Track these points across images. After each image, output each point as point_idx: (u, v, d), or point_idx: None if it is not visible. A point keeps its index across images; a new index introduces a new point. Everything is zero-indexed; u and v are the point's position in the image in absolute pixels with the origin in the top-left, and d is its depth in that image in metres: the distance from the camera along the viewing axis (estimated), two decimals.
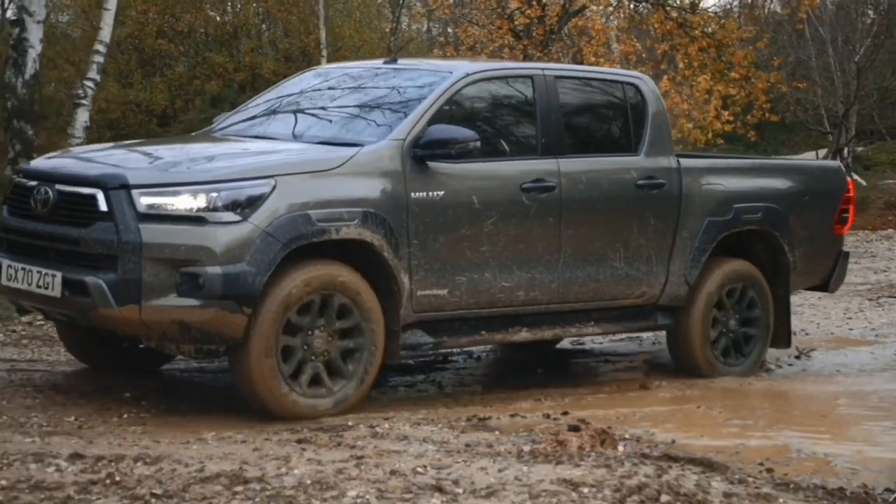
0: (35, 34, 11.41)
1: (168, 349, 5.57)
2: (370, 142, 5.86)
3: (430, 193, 5.85)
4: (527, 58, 15.76)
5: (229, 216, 5.26)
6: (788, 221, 7.30)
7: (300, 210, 5.40)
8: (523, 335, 6.38)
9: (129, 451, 4.61)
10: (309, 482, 4.25)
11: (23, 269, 5.52)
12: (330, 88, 6.73)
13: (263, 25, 25.90)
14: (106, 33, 12.10)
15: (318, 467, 4.47)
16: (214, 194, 5.26)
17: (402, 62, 6.91)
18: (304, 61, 22.01)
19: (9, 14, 20.97)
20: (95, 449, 4.59)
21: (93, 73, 12.33)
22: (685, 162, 6.99)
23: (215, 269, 5.17)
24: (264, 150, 5.97)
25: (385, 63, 6.84)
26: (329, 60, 20.07)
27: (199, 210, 5.24)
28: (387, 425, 5.40)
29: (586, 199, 6.46)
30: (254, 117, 6.73)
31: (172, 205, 5.25)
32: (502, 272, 6.14)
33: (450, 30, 28.57)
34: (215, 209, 5.25)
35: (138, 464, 4.39)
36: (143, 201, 5.24)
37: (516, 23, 16.96)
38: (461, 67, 6.42)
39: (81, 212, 5.37)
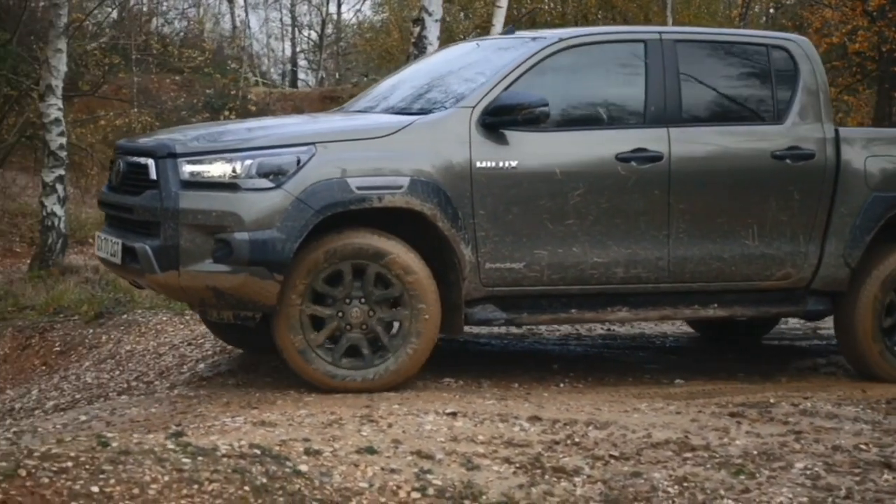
0: (433, 32, 12.34)
1: (211, 315, 5.68)
2: (440, 110, 5.69)
3: (502, 163, 5.54)
4: (882, 41, 14.74)
5: (263, 183, 5.20)
6: None
7: (338, 177, 5.26)
8: (622, 315, 5.90)
9: (578, 416, 5.07)
10: (755, 452, 4.50)
11: (104, 238, 5.74)
12: (445, 62, 6.61)
13: (600, 13, 26.05)
14: (498, 30, 12.84)
15: (758, 440, 4.71)
16: (249, 161, 5.22)
17: (521, 33, 6.55)
18: None
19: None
20: (548, 413, 5.09)
21: None
22: (846, 132, 6.28)
23: (243, 235, 5.13)
24: (319, 120, 5.95)
25: (503, 34, 6.54)
26: None
27: (232, 177, 5.22)
28: (809, 404, 5.51)
29: (704, 171, 5.90)
30: (365, 95, 6.80)
31: (209, 172, 5.25)
32: (594, 247, 5.70)
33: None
34: (249, 176, 5.20)
35: (590, 428, 4.84)
36: (186, 169, 5.26)
37: (870, 4, 16.01)
38: (562, 34, 6.10)
39: (138, 181, 5.49)
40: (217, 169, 5.24)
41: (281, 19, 42.12)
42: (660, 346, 7.61)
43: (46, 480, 3.75)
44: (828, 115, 6.17)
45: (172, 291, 5.50)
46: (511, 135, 5.58)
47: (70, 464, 3.90)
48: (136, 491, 3.77)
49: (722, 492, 4.09)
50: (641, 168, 5.76)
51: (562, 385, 5.92)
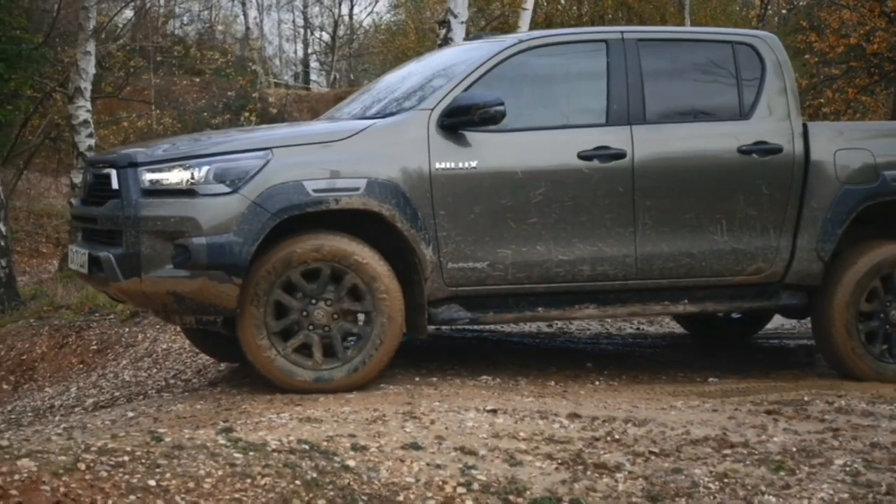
0: (459, 34, 12.44)
1: (174, 321, 5.72)
2: (400, 114, 5.74)
3: (462, 163, 5.58)
4: None
5: (220, 188, 5.24)
6: None
7: (294, 181, 5.30)
8: (589, 312, 5.90)
9: (616, 413, 5.13)
10: (794, 449, 4.56)
11: (75, 251, 5.83)
12: (420, 67, 6.60)
13: (619, 13, 26.07)
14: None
15: (796, 436, 4.76)
16: (206, 167, 5.26)
17: (489, 37, 6.60)
18: None
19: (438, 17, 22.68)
20: (586, 410, 5.16)
21: None
22: (815, 126, 6.26)
23: (200, 240, 5.17)
24: (279, 127, 5.99)
25: (470, 38, 6.60)
26: None
27: (189, 183, 5.26)
28: (843, 402, 5.55)
29: (669, 168, 5.89)
30: (342, 104, 6.85)
31: (168, 179, 5.29)
32: (559, 245, 5.71)
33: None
34: (206, 182, 5.25)
35: (629, 425, 4.91)
36: (146, 177, 5.31)
37: (888, 6, 15.99)
38: (522, 36, 6.13)
39: (102, 192, 5.56)
40: (175, 176, 5.29)
41: (293, 21, 42.31)
42: (691, 345, 7.69)
43: (105, 474, 3.85)
44: (795, 111, 6.16)
45: (136, 298, 5.55)
46: (471, 136, 5.63)
47: (126, 458, 4.00)
48: (191, 485, 3.86)
49: (763, 487, 4.16)
50: (604, 166, 5.78)
51: (597, 383, 6.00)
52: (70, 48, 15.94)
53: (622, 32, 6.10)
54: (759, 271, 6.04)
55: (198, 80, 24.30)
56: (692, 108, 6.17)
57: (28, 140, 19.03)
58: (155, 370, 7.51)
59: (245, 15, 36.62)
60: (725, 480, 4.22)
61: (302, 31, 42.30)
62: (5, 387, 8.24)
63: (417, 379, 5.72)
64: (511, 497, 4.09)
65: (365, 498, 3.97)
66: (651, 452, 4.53)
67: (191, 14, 31.29)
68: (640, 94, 5.93)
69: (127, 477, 3.85)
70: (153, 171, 5.32)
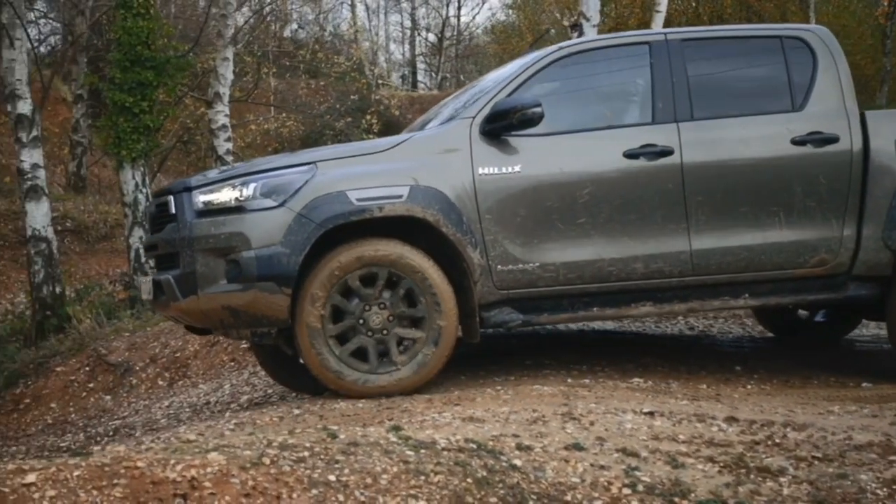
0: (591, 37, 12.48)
1: (233, 336, 5.81)
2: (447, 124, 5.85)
3: (505, 168, 5.66)
4: None
5: (267, 203, 5.41)
6: None
7: (338, 191, 5.43)
8: (646, 310, 5.84)
9: (774, 417, 5.13)
10: None
11: (143, 281, 6.03)
12: (486, 79, 6.63)
13: (740, 12, 25.56)
14: None
15: None
16: (254, 184, 5.45)
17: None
18: None
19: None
20: (743, 414, 5.16)
21: None
22: (873, 114, 6.11)
23: (249, 253, 5.34)
24: (328, 147, 5.98)
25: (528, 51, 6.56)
26: None
27: (238, 200, 5.45)
28: None
29: (719, 162, 5.87)
30: (422, 118, 6.93)
31: (219, 199, 5.50)
32: (610, 245, 5.73)
33: None
34: (254, 198, 5.42)
35: (788, 429, 4.89)
36: (199, 199, 5.53)
37: None
38: (564, 44, 6.15)
39: (162, 218, 5.82)
40: (225, 195, 5.49)
41: (402, 23, 42.70)
42: (838, 350, 7.58)
43: (288, 468, 4.03)
44: (851, 100, 6.09)
45: (195, 316, 5.69)
46: (515, 141, 5.72)
47: (306, 453, 4.18)
48: (369, 481, 4.02)
49: None
50: (651, 164, 5.80)
51: (749, 386, 5.98)
52: (202, 54, 16.49)
53: (665, 34, 6.14)
54: (823, 263, 5.97)
55: (313, 82, 24.77)
56: (741, 104, 6.12)
57: (161, 143, 19.74)
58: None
59: (353, 16, 37.18)
60: (894, 487, 4.19)
61: (409, 32, 42.70)
62: (161, 383, 8.59)
63: (570, 381, 5.79)
64: (676, 499, 4.13)
65: (534, 497, 4.07)
66: (814, 457, 4.51)
67: (303, 19, 31.92)
68: (686, 93, 5.96)
69: (308, 472, 4.02)
70: (206, 192, 5.55)
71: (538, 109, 5.59)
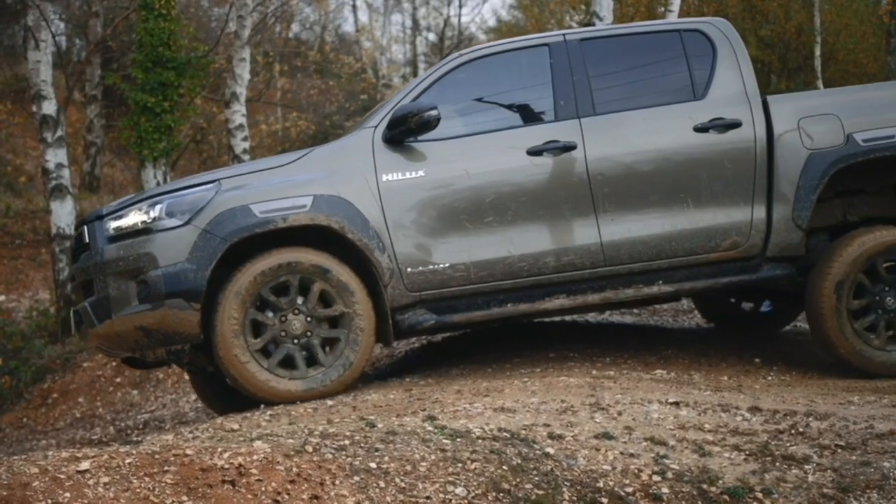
0: None
1: (150, 357, 5.86)
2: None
3: (408, 173, 5.80)
4: None
5: (173, 222, 5.56)
6: None
7: (241, 206, 5.57)
8: (560, 303, 5.92)
9: (796, 407, 5.25)
10: None
11: (71, 315, 6.15)
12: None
13: (744, 13, 25.58)
14: None
15: None
16: (159, 205, 5.61)
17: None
18: (781, 47, 21.66)
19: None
20: (766, 404, 5.29)
21: None
22: (774, 98, 6.26)
23: (157, 272, 5.48)
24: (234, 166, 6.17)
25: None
26: (822, 47, 19.75)
27: (145, 222, 5.61)
28: None
29: (623, 154, 5.98)
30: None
31: (127, 222, 5.66)
32: (519, 241, 5.84)
33: None
34: (160, 218, 5.58)
35: (810, 419, 5.02)
36: (110, 226, 5.71)
37: None
38: (465, 50, 6.29)
39: (80, 249, 5.97)
40: (133, 218, 5.66)
41: (403, 23, 42.77)
42: None
43: (330, 456, 4.17)
44: (751, 86, 6.19)
45: (112, 340, 5.78)
46: (418, 146, 5.86)
47: (347, 442, 4.32)
48: (408, 468, 4.16)
49: None
50: (555, 159, 5.92)
51: (769, 378, 6.11)
52: (218, 55, 16.61)
53: (564, 35, 6.26)
54: (736, 246, 6.06)
55: (321, 82, 24.89)
56: (644, 97, 6.23)
57: (180, 142, 19.86)
58: None
59: (355, 17, 37.27)
60: None
61: (410, 32, 42.82)
62: (187, 377, 8.73)
63: (595, 372, 5.91)
64: (704, 486, 4.26)
65: (568, 483, 4.20)
66: (837, 445, 4.64)
67: (306, 20, 32.03)
68: (588, 89, 6.07)
69: (350, 459, 4.16)
70: (115, 218, 5.73)
71: (434, 112, 5.72)
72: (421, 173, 5.84)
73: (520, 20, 34.99)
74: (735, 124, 6.10)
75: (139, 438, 5.19)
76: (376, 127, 5.92)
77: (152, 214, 5.61)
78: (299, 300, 5.62)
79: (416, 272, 5.77)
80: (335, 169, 5.80)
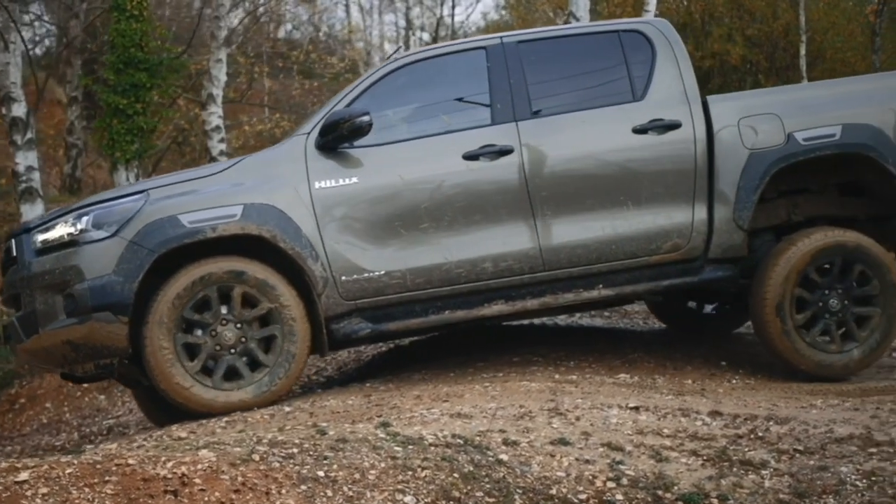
0: None
1: (79, 371, 5.76)
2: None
3: (342, 180, 5.70)
4: None
5: (99, 234, 5.45)
6: (890, 138, 6.05)
7: (169, 216, 5.46)
8: (498, 308, 5.84)
9: (757, 411, 5.21)
10: None
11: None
12: None
13: (732, 10, 25.56)
14: None
15: None
16: (86, 217, 5.50)
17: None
18: (769, 46, 21.67)
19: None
20: (727, 408, 5.24)
21: None
22: (714, 98, 6.19)
23: (83, 285, 5.37)
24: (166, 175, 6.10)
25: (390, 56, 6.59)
26: (807, 46, 19.77)
27: (71, 235, 5.50)
28: None
29: (561, 157, 5.89)
30: None
31: (54, 235, 5.56)
32: (456, 246, 5.74)
33: None
34: (86, 230, 5.47)
35: (770, 423, 4.98)
36: (38, 238, 5.61)
37: None
38: (401, 54, 6.14)
39: (8, 262, 5.90)
40: (59, 231, 5.56)
41: (396, 22, 42.72)
42: None
43: (277, 465, 4.11)
44: (691, 87, 6.12)
45: (40, 356, 5.68)
46: (352, 152, 5.77)
47: (296, 450, 4.26)
48: (357, 476, 4.10)
49: None
50: (491, 163, 5.83)
51: (734, 381, 6.06)
52: (196, 56, 16.54)
53: (501, 38, 6.16)
54: (677, 248, 5.99)
55: (309, 82, 24.80)
56: (582, 98, 6.13)
57: (155, 144, 19.79)
58: None
59: (348, 15, 37.22)
60: (872, 478, 4.27)
61: (404, 31, 42.79)
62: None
63: (557, 377, 5.86)
64: (659, 492, 4.21)
65: (520, 491, 4.15)
66: (795, 450, 4.60)
67: (297, 19, 31.96)
68: (525, 92, 5.97)
69: (297, 468, 4.10)
70: (42, 231, 5.63)
71: (366, 118, 5.64)
72: (354, 180, 5.74)
73: (508, 21, 35.01)
74: (674, 125, 6.03)
75: (93, 446, 5.13)
76: (309, 134, 5.81)
77: (79, 227, 5.51)
78: (224, 310, 5.50)
79: (350, 280, 5.67)
80: (267, 177, 5.70)
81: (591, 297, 5.97)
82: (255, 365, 5.55)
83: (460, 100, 6.12)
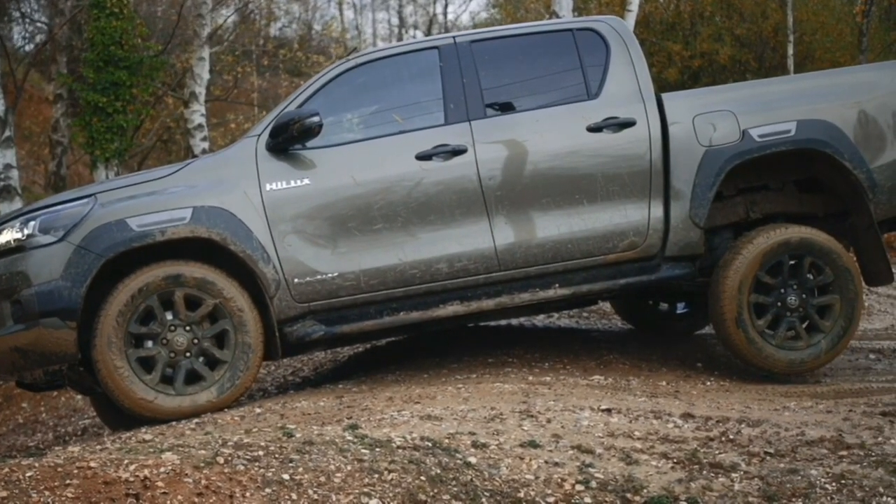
0: None
1: (27, 378, 5.69)
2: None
3: (293, 182, 5.66)
4: None
5: (47, 239, 5.39)
6: (845, 134, 6.06)
7: (117, 220, 5.40)
8: (454, 309, 5.79)
9: (730, 413, 5.18)
10: None
11: None
12: None
13: (720, 10, 25.60)
14: None
15: None
16: (33, 222, 5.43)
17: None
18: (759, 46, 21.68)
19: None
20: (700, 410, 5.22)
21: None
22: (669, 96, 6.16)
23: (30, 291, 5.30)
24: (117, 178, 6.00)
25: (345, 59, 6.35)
26: (795, 46, 19.77)
27: (18, 240, 5.44)
28: None
29: (515, 156, 5.86)
30: None
31: (0, 241, 5.50)
32: (410, 247, 5.71)
33: None
34: (33, 235, 5.40)
35: (743, 425, 4.96)
36: None
37: None
38: (354, 55, 6.11)
39: None
40: (6, 236, 5.49)
41: (389, 20, 42.70)
42: None
43: (242, 468, 4.08)
44: (646, 84, 6.09)
45: None
46: (304, 154, 5.73)
47: (261, 452, 4.23)
48: (322, 479, 4.06)
49: (881, 489, 4.18)
50: (445, 164, 5.80)
51: (708, 383, 6.04)
52: (183, 54, 16.48)
53: (454, 37, 6.12)
54: (634, 246, 5.96)
55: (297, 80, 24.75)
56: (536, 97, 6.11)
57: (141, 143, 19.74)
58: (273, 367, 7.80)
59: (341, 14, 37.18)
60: (843, 482, 4.25)
61: (397, 29, 42.77)
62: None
63: (531, 378, 5.84)
64: (628, 495, 4.19)
65: (487, 494, 4.12)
66: (766, 453, 4.57)
67: (290, 16, 31.89)
68: (478, 92, 5.94)
69: (262, 471, 4.07)
70: None
71: (315, 119, 5.58)
72: (306, 181, 5.69)
73: (499, 20, 35.00)
74: (629, 123, 6.00)
75: (61, 447, 5.08)
76: (259, 136, 5.76)
77: (26, 232, 5.44)
78: (169, 316, 5.44)
79: (303, 283, 5.62)
80: (217, 179, 5.64)
81: (547, 296, 5.93)
82: (214, 364, 5.48)
83: (413, 100, 6.08)
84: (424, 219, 5.76)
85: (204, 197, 5.56)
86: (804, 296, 6.05)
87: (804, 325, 6.10)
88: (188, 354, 5.44)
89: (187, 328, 5.45)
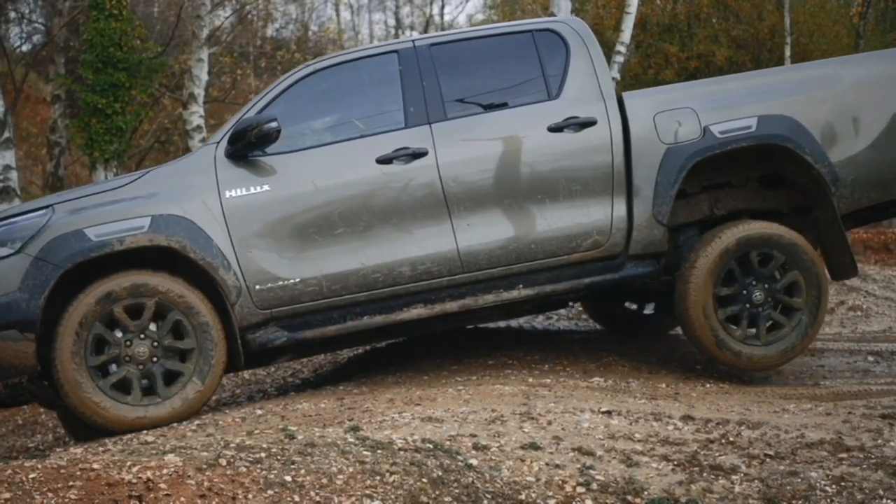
0: None
1: None
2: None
3: (253, 188, 5.64)
4: None
5: (3, 251, 5.37)
6: (806, 129, 6.06)
7: (75, 230, 5.38)
8: (417, 312, 5.78)
9: (730, 416, 5.20)
10: None
11: None
12: None
13: (718, 12, 25.67)
14: (627, 35, 12.94)
15: None
16: None
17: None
18: (755, 47, 21.69)
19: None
20: (700, 413, 5.23)
21: (613, 73, 13.29)
22: (629, 94, 6.16)
23: None
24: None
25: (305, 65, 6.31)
26: (792, 48, 19.81)
27: None
28: None
29: (476, 158, 5.86)
30: None
31: None
32: (372, 251, 5.71)
33: None
34: None
35: (742, 427, 4.97)
36: None
37: None
38: (312, 61, 6.10)
39: None
40: None
41: (385, 21, 42.74)
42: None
43: (244, 469, 4.09)
44: (606, 84, 6.12)
45: None
46: (263, 160, 5.72)
47: (263, 454, 4.24)
48: (324, 481, 4.08)
49: (881, 492, 4.19)
50: (405, 167, 5.80)
51: (708, 385, 6.05)
52: (181, 55, 16.49)
53: (413, 41, 6.14)
54: (597, 245, 5.97)
55: None
56: (497, 99, 6.08)
57: (139, 144, 19.75)
58: (273, 369, 7.81)
59: (338, 15, 37.21)
60: (842, 484, 4.27)
61: (394, 30, 42.81)
62: None
63: (531, 380, 5.85)
64: (629, 497, 4.21)
65: (489, 496, 4.13)
66: (766, 455, 4.59)
67: (287, 17, 31.92)
68: (438, 95, 5.94)
69: (265, 472, 4.08)
70: None
71: (274, 125, 5.57)
72: (266, 188, 5.68)
73: (495, 21, 35.06)
74: (590, 122, 5.99)
75: (62, 448, 5.08)
76: (218, 143, 5.75)
77: None
78: (129, 328, 5.38)
79: (265, 289, 5.60)
80: (176, 187, 5.63)
81: (511, 297, 5.92)
82: (174, 375, 5.42)
83: (373, 104, 6.07)
84: (386, 222, 5.76)
85: (163, 205, 5.54)
86: (768, 286, 6.04)
87: (777, 311, 6.08)
88: (154, 359, 5.39)
89: (142, 336, 5.40)
